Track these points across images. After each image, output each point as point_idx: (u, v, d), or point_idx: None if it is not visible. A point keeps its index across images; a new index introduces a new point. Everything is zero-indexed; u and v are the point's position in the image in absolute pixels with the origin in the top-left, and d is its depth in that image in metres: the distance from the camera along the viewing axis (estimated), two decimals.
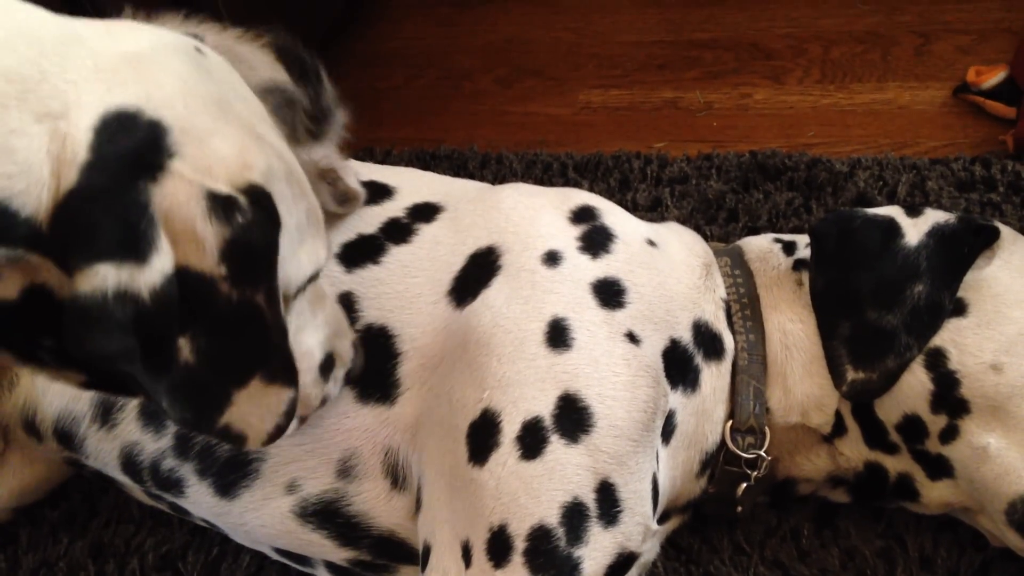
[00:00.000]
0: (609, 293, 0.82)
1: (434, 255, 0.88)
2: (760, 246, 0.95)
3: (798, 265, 0.91)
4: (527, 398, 0.76)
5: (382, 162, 1.53)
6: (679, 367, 0.83)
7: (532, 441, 0.74)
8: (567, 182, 1.39)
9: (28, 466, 1.05)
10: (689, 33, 1.71)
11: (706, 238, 1.11)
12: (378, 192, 0.95)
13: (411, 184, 0.98)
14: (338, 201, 0.91)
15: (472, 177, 1.45)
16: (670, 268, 0.88)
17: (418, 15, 1.98)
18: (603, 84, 1.65)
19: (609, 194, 1.34)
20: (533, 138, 1.57)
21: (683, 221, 1.26)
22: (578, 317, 0.79)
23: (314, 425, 0.84)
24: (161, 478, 0.91)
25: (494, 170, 1.45)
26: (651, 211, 1.29)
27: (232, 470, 0.87)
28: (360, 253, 0.89)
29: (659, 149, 1.45)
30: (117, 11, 1.17)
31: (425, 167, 1.50)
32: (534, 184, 1.36)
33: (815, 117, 1.46)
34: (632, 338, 0.80)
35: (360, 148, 1.53)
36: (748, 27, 1.68)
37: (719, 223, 1.25)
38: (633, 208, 1.29)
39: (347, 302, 0.86)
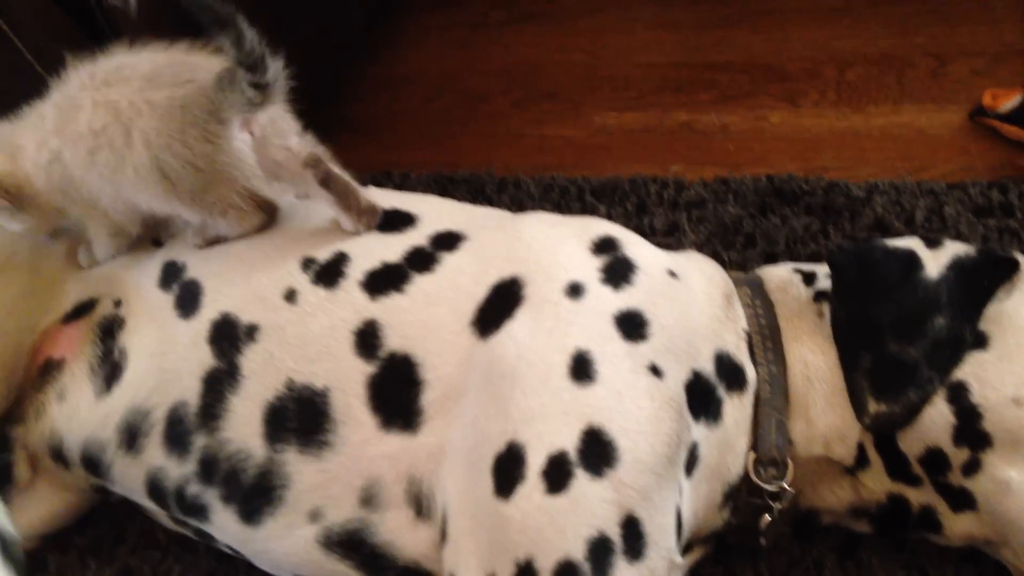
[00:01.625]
0: (632, 325, 0.82)
1: (457, 284, 0.88)
2: (780, 276, 0.96)
3: (819, 296, 0.92)
4: (552, 431, 0.76)
5: (400, 186, 1.54)
6: (701, 399, 0.84)
7: (557, 475, 0.75)
8: (584, 206, 1.40)
9: (56, 493, 1.06)
10: (704, 55, 1.71)
11: (724, 264, 1.12)
12: (400, 220, 0.97)
13: (433, 212, 0.99)
14: (321, 183, 0.93)
15: (490, 201, 1.46)
16: (691, 299, 0.88)
17: (433, 37, 1.99)
18: (618, 106, 1.66)
19: (626, 219, 1.35)
20: (549, 161, 1.58)
21: (700, 246, 1.27)
22: (601, 350, 0.80)
23: (337, 451, 0.85)
24: (186, 504, 0.92)
25: (512, 194, 1.46)
26: (668, 236, 1.30)
27: (256, 496, 0.88)
28: (384, 281, 0.90)
29: (675, 172, 1.46)
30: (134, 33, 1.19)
31: (443, 191, 1.51)
32: (552, 210, 1.39)
33: (831, 140, 1.47)
34: (655, 371, 0.80)
35: (378, 171, 1.54)
36: (763, 49, 1.68)
37: (737, 248, 1.26)
38: (651, 233, 1.29)
39: (371, 330, 0.87)
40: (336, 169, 0.94)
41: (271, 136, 0.92)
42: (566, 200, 1.42)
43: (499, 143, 1.66)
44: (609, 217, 1.36)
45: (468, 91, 1.81)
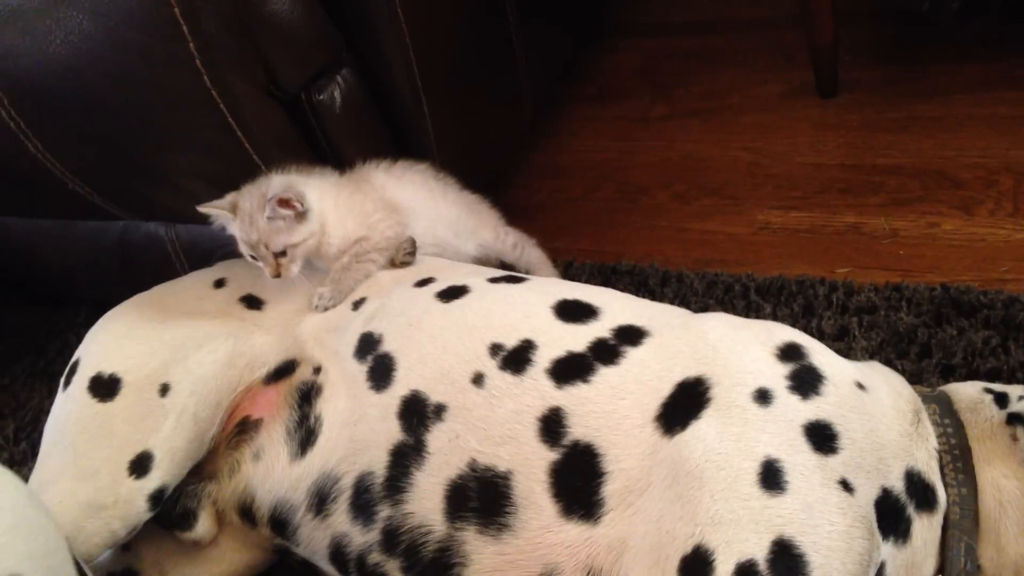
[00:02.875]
0: (821, 437, 0.82)
1: (641, 379, 0.91)
2: (970, 395, 0.94)
3: (1012, 419, 0.89)
4: (741, 539, 0.77)
5: (564, 273, 1.59)
6: (891, 518, 0.83)
7: None
8: (748, 305, 1.41)
9: (237, 551, 1.12)
10: (872, 158, 1.71)
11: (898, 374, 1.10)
12: (583, 311, 1.00)
13: (614, 305, 1.01)
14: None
15: (652, 294, 1.48)
16: (880, 413, 0.88)
17: (595, 129, 2.06)
18: (782, 205, 1.67)
19: (793, 320, 1.35)
20: (711, 256, 1.60)
21: (872, 353, 1.25)
22: (791, 460, 0.80)
23: (516, 535, 0.88)
24: (366, 571, 0.96)
25: (675, 288, 1.48)
26: (838, 341, 1.29)
27: (435, 571, 0.91)
28: (570, 370, 0.93)
29: (843, 275, 1.45)
30: (337, 126, 1.28)
31: (606, 281, 1.55)
32: (716, 306, 1.40)
33: (1008, 251, 1.43)
34: (846, 486, 0.80)
35: None
36: (934, 155, 1.66)
37: (911, 358, 1.24)
38: (819, 336, 1.28)
39: (556, 417, 0.90)
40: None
41: None
42: (730, 297, 1.43)
43: (660, 236, 1.69)
44: (774, 317, 1.36)
45: (629, 183, 1.85)
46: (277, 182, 1.11)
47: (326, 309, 1.13)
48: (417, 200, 1.26)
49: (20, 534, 0.78)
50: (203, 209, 1.13)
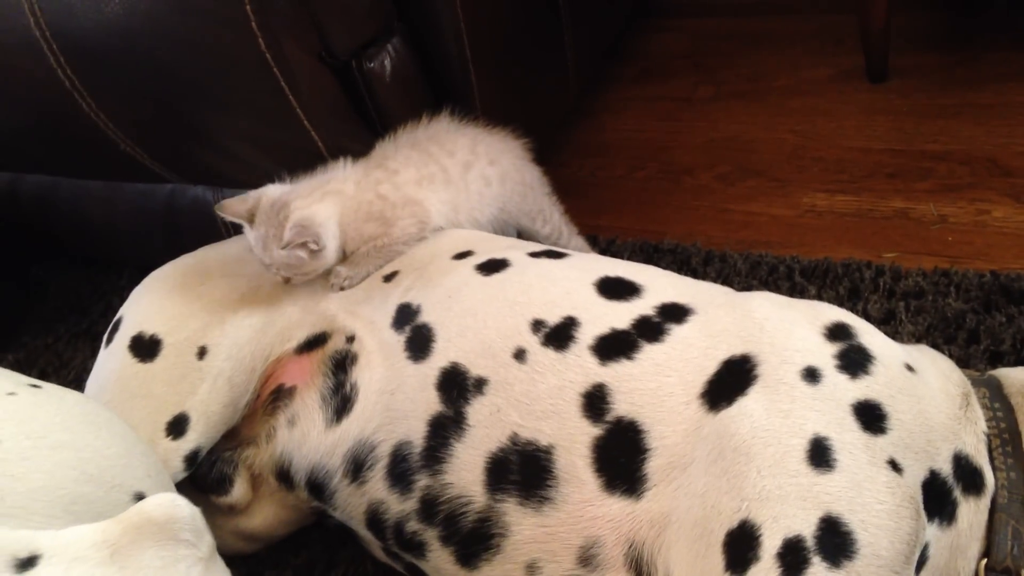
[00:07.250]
0: (870, 417, 0.82)
1: (686, 357, 0.90)
2: (1020, 380, 0.92)
3: None
4: (788, 515, 0.77)
5: (605, 250, 1.59)
6: (937, 500, 0.82)
7: (793, 561, 0.75)
8: (793, 286, 1.39)
9: (273, 510, 1.13)
10: (921, 144, 1.68)
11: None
12: (625, 288, 0.99)
13: (656, 282, 1.01)
14: None
15: (695, 273, 1.48)
16: (929, 396, 0.87)
17: (639, 109, 2.04)
18: (829, 188, 1.65)
19: (838, 303, 1.33)
20: (755, 237, 1.58)
21: (919, 338, 1.24)
22: (840, 438, 0.80)
23: (558, 508, 0.88)
24: (404, 539, 0.96)
25: (718, 268, 1.47)
26: (884, 324, 1.28)
27: (475, 541, 0.91)
28: (614, 347, 0.92)
29: (890, 260, 1.43)
30: (386, 94, 1.28)
31: (648, 259, 1.54)
32: (761, 287, 1.39)
33: None
34: (895, 466, 0.80)
35: (583, 234, 1.57)
36: (985, 142, 1.64)
37: (958, 344, 1.22)
38: (865, 319, 1.27)
39: (599, 393, 0.90)
40: None
41: None
42: (774, 278, 1.42)
43: (703, 216, 1.67)
44: (819, 299, 1.34)
45: (672, 163, 1.84)
46: (294, 219, 1.07)
47: (342, 289, 1.12)
48: (445, 210, 1.18)
49: (136, 454, 0.80)
50: (220, 211, 1.11)
